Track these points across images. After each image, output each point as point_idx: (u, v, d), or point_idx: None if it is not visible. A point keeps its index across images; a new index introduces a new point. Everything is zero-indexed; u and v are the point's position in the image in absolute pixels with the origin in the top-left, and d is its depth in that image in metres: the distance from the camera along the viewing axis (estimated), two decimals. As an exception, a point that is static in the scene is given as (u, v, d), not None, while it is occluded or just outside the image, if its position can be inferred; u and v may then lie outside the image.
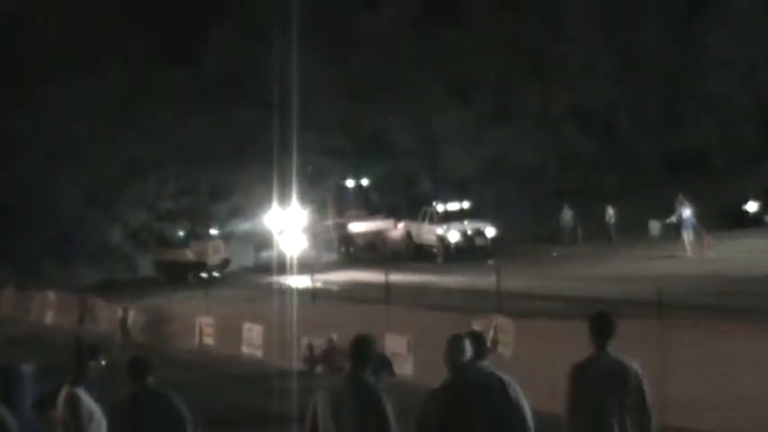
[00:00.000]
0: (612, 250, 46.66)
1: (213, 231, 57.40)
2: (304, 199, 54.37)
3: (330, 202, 60.09)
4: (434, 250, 51.47)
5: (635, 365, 8.90)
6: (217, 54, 62.49)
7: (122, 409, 9.36)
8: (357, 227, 57.68)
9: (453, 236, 50.61)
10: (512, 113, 64.32)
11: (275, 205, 52.72)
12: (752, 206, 46.02)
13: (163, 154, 61.26)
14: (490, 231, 51.07)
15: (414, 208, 55.32)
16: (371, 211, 58.96)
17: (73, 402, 9.36)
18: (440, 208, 52.69)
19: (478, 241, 50.73)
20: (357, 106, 62.39)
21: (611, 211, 51.18)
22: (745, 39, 61.90)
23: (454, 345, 8.76)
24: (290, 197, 51.82)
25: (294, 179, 50.47)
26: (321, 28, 57.43)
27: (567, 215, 53.65)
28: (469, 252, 49.45)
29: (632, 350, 18.78)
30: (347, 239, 58.05)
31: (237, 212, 62.30)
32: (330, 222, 59.21)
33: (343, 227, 58.17)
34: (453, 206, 53.01)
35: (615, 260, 42.86)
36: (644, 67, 64.10)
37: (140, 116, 60.54)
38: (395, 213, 57.45)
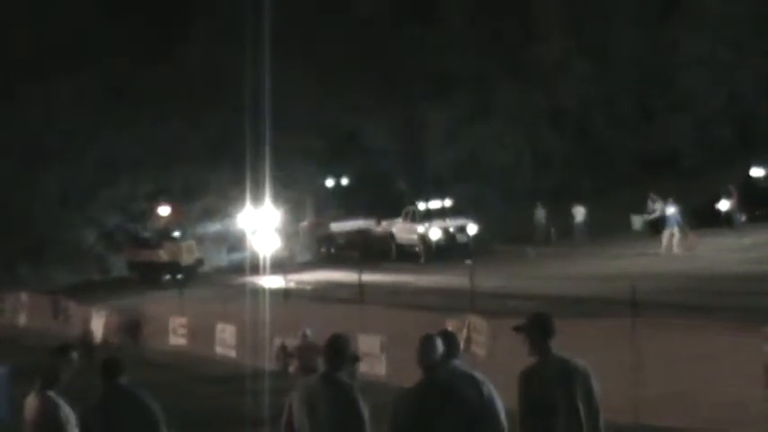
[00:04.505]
0: (585, 250, 46.72)
1: (176, 234, 56.89)
2: (278, 199, 54.13)
3: (309, 201, 59.98)
4: (416, 249, 50.91)
5: (581, 363, 8.81)
6: (191, 55, 62.34)
7: (95, 410, 9.31)
8: (339, 226, 57.39)
9: (434, 233, 50.11)
10: (486, 113, 64.42)
11: (249, 205, 52.53)
12: (724, 205, 46.14)
13: (137, 155, 61.09)
14: (472, 228, 50.67)
15: (391, 207, 54.99)
16: (352, 211, 58.74)
17: (47, 406, 9.31)
18: (421, 206, 52.09)
19: (460, 238, 50.21)
20: (332, 106, 62.33)
21: (582, 211, 51.11)
22: (719, 38, 62.25)
23: (426, 344, 8.73)
24: (263, 197, 51.62)
25: (267, 180, 50.29)
26: (295, 27, 57.30)
27: (540, 214, 53.60)
28: (451, 250, 48.68)
29: (606, 348, 18.89)
30: (328, 239, 57.70)
31: (211, 213, 62.19)
32: (307, 222, 59.13)
33: (323, 226, 57.96)
34: (435, 204, 52.49)
35: (588, 259, 42.96)
36: (618, 66, 64.32)
37: (115, 117, 60.31)
38: (376, 212, 57.05)
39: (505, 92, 64.35)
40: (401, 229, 52.51)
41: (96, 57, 59.84)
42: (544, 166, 63.35)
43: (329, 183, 62.78)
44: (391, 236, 53.32)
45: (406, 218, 52.26)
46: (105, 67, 60.57)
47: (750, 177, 49.15)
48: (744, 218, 46.24)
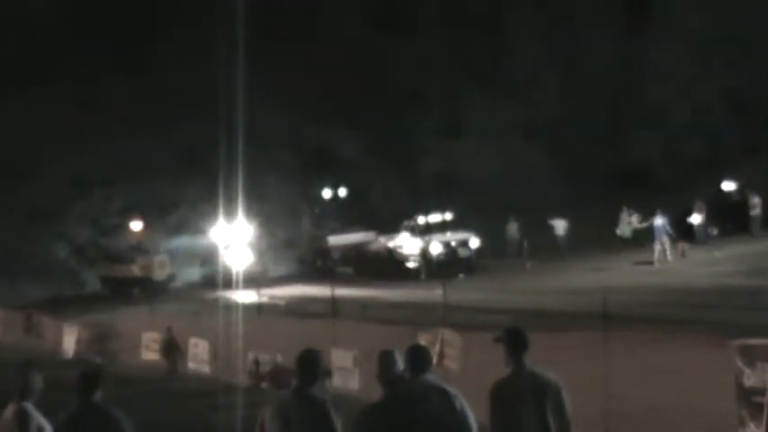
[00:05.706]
0: (565, 263, 46.72)
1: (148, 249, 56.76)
2: (251, 213, 53.63)
3: (307, 214, 59.75)
4: (416, 265, 49.01)
5: (553, 377, 8.87)
6: (163, 69, 62.12)
7: (68, 422, 9.31)
8: (337, 240, 56.36)
9: (435, 248, 48.60)
10: (459, 127, 64.53)
11: (221, 220, 52.28)
12: (695, 218, 46.36)
13: (109, 169, 60.85)
14: (474, 242, 49.46)
15: (380, 222, 54.28)
16: (349, 224, 58.11)
17: (22, 418, 9.31)
18: (421, 220, 50.65)
19: (462, 252, 48.84)
20: (305, 120, 62.22)
21: (563, 224, 50.99)
22: (687, 53, 62.66)
23: (384, 359, 8.79)
24: (236, 211, 51.32)
25: (240, 194, 49.99)
26: (268, 42, 57.18)
27: (513, 228, 53.52)
28: (453, 265, 46.99)
29: (577, 361, 18.96)
30: (324, 253, 56.69)
31: (184, 227, 61.97)
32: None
33: (320, 239, 57.20)
34: (435, 218, 50.95)
35: (568, 272, 42.97)
36: (589, 80, 64.57)
37: (86, 131, 60.01)
38: (376, 226, 55.40)
39: (477, 106, 64.45)
40: (400, 244, 50.61)
41: (68, 71, 59.55)
42: (517, 180, 63.33)
43: (326, 194, 62.44)
44: (388, 251, 51.18)
45: (405, 232, 50.54)
46: (76, 81, 60.24)
47: (722, 191, 49.40)
48: (715, 232, 46.53)
